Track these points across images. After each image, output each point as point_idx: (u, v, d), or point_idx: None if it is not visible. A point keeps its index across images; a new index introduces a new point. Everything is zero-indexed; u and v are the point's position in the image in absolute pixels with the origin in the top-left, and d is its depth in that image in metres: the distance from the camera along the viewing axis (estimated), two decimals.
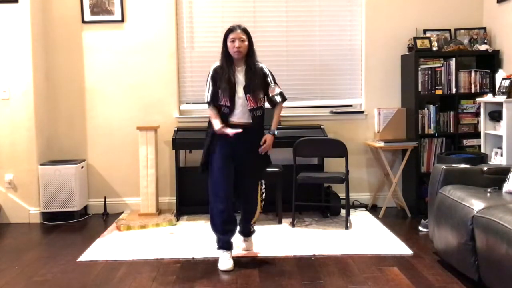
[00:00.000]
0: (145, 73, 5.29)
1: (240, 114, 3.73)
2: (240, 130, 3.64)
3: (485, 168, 3.76)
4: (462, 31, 5.28)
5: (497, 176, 3.64)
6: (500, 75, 4.62)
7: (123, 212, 5.31)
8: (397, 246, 4.07)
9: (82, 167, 5.19)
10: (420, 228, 4.54)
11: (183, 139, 4.99)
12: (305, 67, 5.38)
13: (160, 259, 3.87)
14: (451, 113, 5.09)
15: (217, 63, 3.80)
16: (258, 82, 3.74)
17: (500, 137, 4.40)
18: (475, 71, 5.07)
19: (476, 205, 3.20)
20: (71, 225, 4.94)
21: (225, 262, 3.68)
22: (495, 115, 4.53)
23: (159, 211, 5.14)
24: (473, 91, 5.05)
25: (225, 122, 3.72)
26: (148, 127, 5.06)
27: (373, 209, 5.32)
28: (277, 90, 3.82)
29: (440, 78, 5.06)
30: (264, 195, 4.08)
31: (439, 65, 5.06)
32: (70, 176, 5.02)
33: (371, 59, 5.34)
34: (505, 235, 2.77)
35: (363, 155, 5.42)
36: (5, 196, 5.04)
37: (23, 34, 4.95)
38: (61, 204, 5.03)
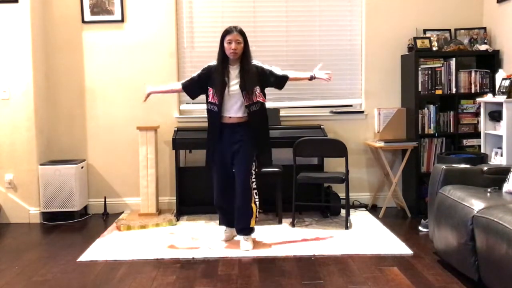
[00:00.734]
0: (145, 73, 5.28)
1: (236, 109, 3.99)
2: None
3: (485, 168, 3.75)
4: (462, 31, 5.28)
5: (497, 176, 3.64)
6: (500, 75, 4.63)
7: (123, 212, 5.31)
8: (397, 246, 4.07)
9: (82, 167, 5.18)
10: (420, 228, 4.54)
11: (183, 139, 4.99)
12: (305, 67, 5.35)
13: (160, 259, 3.86)
14: (451, 113, 5.09)
15: (214, 62, 4.04)
16: (254, 78, 3.95)
17: (500, 137, 4.40)
18: (475, 71, 5.06)
19: (476, 205, 3.20)
20: (71, 225, 4.94)
21: (222, 234, 4.28)
22: (495, 115, 4.53)
23: (159, 211, 5.14)
24: (473, 91, 5.05)
25: (215, 120, 4.01)
26: (148, 127, 5.06)
27: (373, 209, 5.32)
28: (278, 71, 4.10)
29: (440, 78, 5.06)
30: (258, 202, 4.16)
31: (439, 65, 5.05)
32: (70, 176, 5.02)
33: (371, 59, 5.34)
34: (505, 235, 2.77)
35: (363, 155, 5.42)
36: (5, 196, 5.04)
37: (23, 34, 4.95)
38: (61, 204, 5.03)
